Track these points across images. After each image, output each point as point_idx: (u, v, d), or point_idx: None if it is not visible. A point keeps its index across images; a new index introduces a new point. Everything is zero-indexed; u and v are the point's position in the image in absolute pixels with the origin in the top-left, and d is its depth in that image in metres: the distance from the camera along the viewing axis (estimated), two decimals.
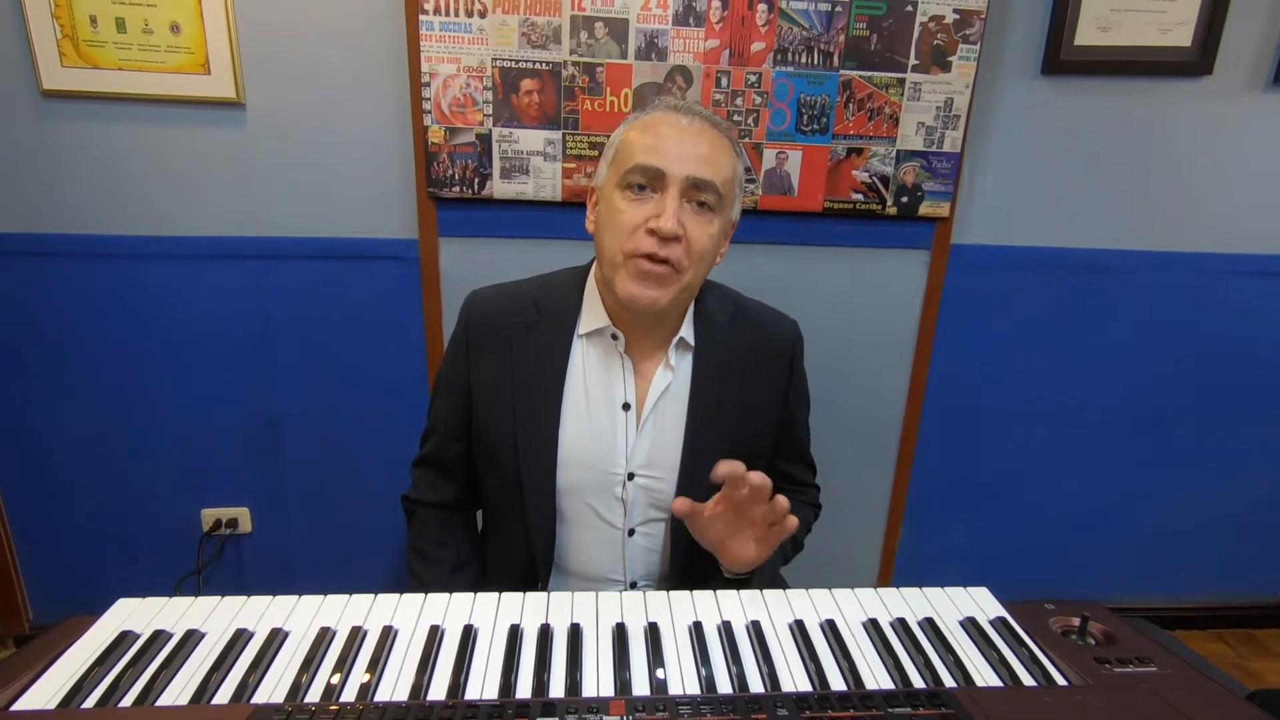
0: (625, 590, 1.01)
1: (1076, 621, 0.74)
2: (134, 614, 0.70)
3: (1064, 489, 1.89)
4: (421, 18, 1.43)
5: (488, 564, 1.11)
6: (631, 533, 1.01)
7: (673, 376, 0.98)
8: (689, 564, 1.00)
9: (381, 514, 1.77)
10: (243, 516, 1.76)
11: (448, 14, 1.43)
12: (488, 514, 1.11)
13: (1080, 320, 1.75)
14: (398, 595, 0.74)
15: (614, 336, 0.96)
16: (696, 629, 0.71)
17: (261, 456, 1.72)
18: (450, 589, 0.79)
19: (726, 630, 0.71)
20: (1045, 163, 1.63)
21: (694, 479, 0.96)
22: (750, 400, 1.01)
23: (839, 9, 1.47)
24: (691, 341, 0.98)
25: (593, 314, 0.97)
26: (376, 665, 0.65)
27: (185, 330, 1.61)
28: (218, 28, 1.44)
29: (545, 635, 0.69)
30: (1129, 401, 1.82)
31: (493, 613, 0.73)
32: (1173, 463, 1.88)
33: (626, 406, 0.97)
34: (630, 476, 0.98)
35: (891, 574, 1.92)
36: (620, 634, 0.70)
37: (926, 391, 1.77)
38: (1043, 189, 1.66)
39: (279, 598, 0.73)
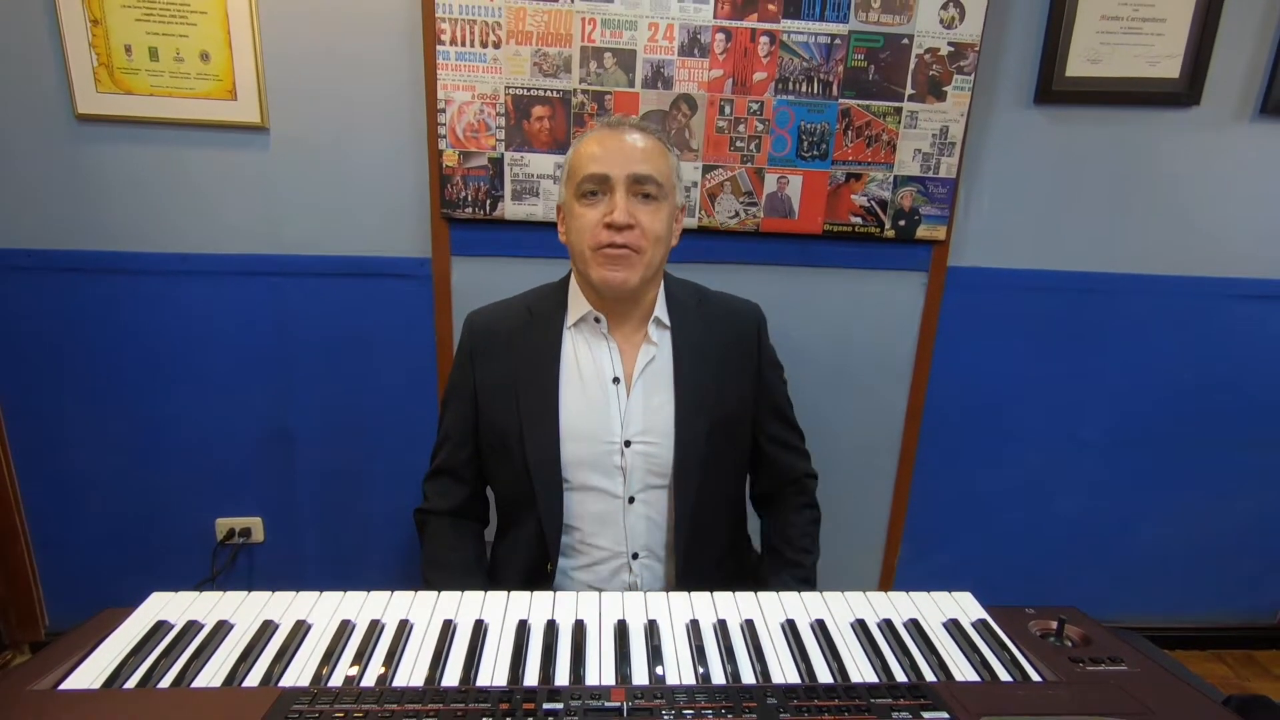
0: (629, 561, 1.09)
1: (1055, 624, 0.78)
2: (167, 606, 0.75)
3: (1061, 508, 1.92)
4: (439, 48, 1.50)
5: (500, 560, 1.17)
6: (631, 500, 1.09)
7: (655, 351, 1.10)
8: (693, 534, 1.09)
9: (391, 527, 1.82)
10: (255, 526, 1.80)
11: (464, 44, 1.50)
12: (500, 509, 1.18)
13: (1075, 341, 1.79)
14: (413, 592, 0.79)
15: (597, 320, 1.08)
16: (693, 627, 0.75)
17: (275, 468, 1.76)
18: (461, 589, 0.83)
19: (722, 628, 0.75)
20: (1039, 188, 1.69)
21: (687, 443, 1.07)
22: (727, 371, 1.12)
23: (838, 41, 1.53)
24: (666, 321, 1.10)
25: (577, 307, 1.10)
26: (393, 656, 0.70)
27: (206, 344, 1.66)
28: (245, 57, 1.52)
29: (551, 630, 0.73)
30: (1124, 422, 1.85)
31: (502, 609, 0.77)
32: (1168, 483, 1.91)
33: (616, 380, 1.08)
34: (627, 444, 1.07)
35: (890, 590, 1.94)
36: (621, 630, 0.74)
37: (924, 411, 1.81)
38: (1037, 213, 1.70)
39: (302, 593, 0.77)
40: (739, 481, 1.20)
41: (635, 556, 1.11)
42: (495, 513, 1.21)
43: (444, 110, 1.54)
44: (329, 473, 1.78)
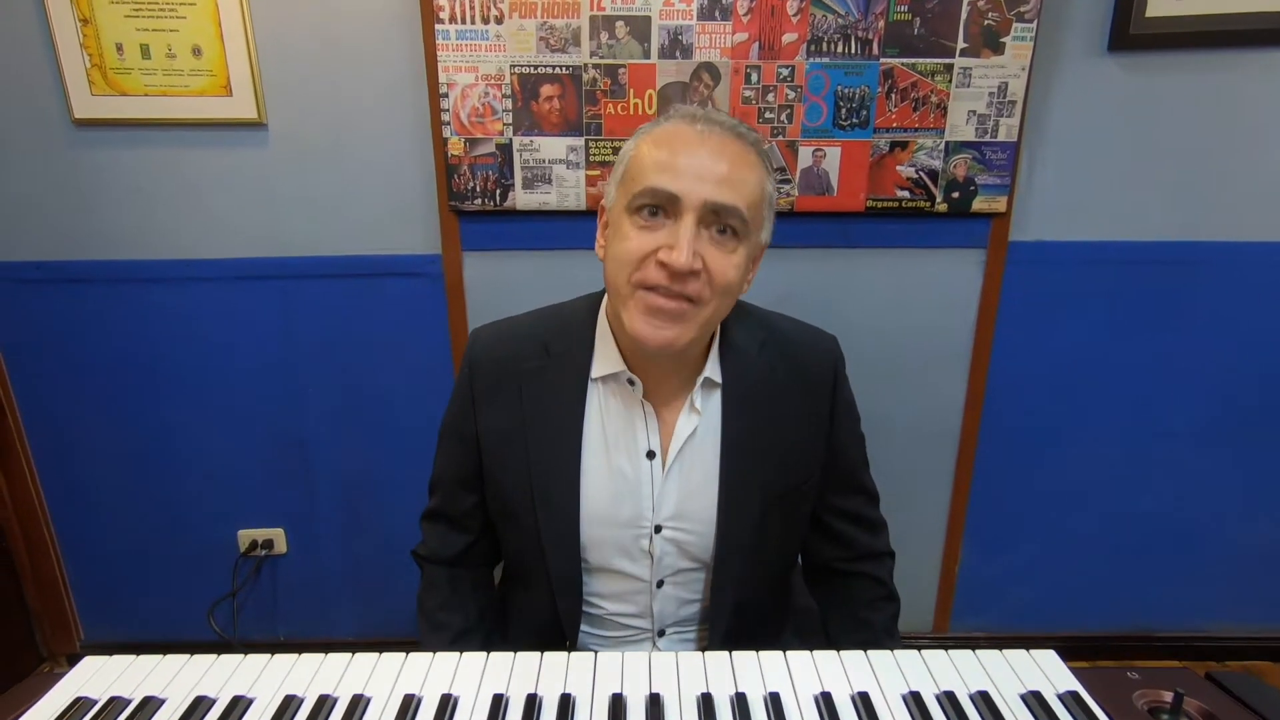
0: (654, 637, 0.95)
1: (1168, 697, 0.62)
2: (98, 675, 0.66)
3: (1145, 506, 1.72)
4: (438, 26, 1.39)
5: (510, 618, 1.03)
6: (660, 584, 0.92)
7: (699, 420, 0.87)
8: (733, 614, 0.90)
9: (413, 532, 1.74)
10: (278, 538, 1.76)
11: (464, 21, 1.39)
12: (508, 568, 1.04)
13: (1156, 320, 1.59)
14: (376, 655, 0.68)
15: (630, 382, 0.86)
16: (705, 702, 0.62)
17: (293, 477, 1.71)
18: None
19: (740, 704, 0.62)
20: (1113, 149, 1.49)
21: (732, 528, 0.87)
22: (789, 435, 0.90)
23: None
24: (718, 379, 0.88)
25: (606, 355, 0.87)
26: None
27: (215, 352, 1.62)
28: (238, 49, 1.44)
29: (532, 706, 0.62)
30: (1216, 408, 1.65)
31: (476, 679, 0.66)
32: (1267, 477, 1.69)
33: (651, 455, 0.88)
34: (658, 529, 0.89)
35: (951, 601, 1.79)
36: (616, 706, 0.61)
37: (985, 402, 1.64)
38: (1111, 178, 1.51)
39: (249, 658, 0.67)
40: (796, 548, 1.01)
41: (662, 634, 0.95)
42: (505, 559, 1.07)
43: (446, 95, 1.43)
44: (349, 481, 1.72)
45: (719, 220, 0.75)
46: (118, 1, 1.41)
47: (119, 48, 1.44)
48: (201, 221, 1.53)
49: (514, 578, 1.02)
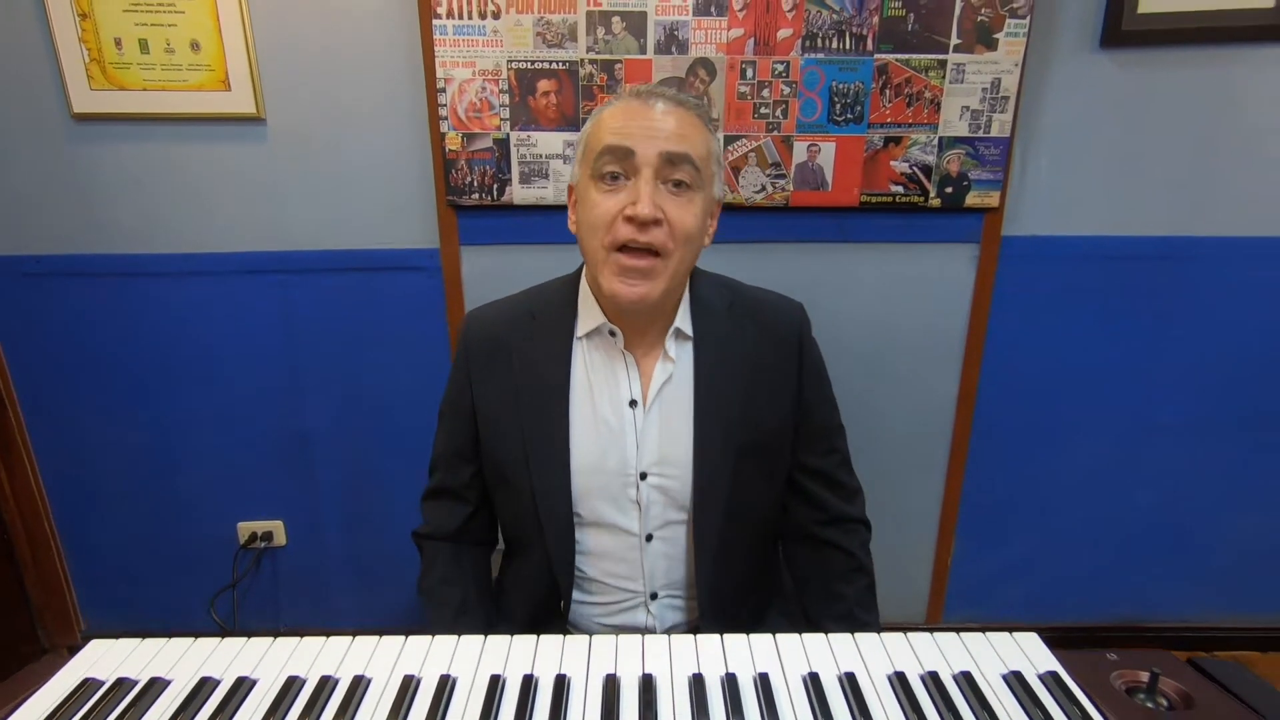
0: (646, 601, 0.98)
1: (1145, 676, 0.63)
2: (104, 658, 0.67)
3: (1137, 501, 1.74)
4: (435, 22, 1.40)
5: (507, 593, 1.07)
6: (650, 538, 0.96)
7: (673, 368, 0.93)
8: (716, 573, 0.94)
9: (412, 523, 1.76)
10: (277, 530, 1.77)
11: (461, 16, 1.40)
12: (506, 538, 1.07)
13: (1149, 315, 1.60)
14: (376, 638, 0.69)
15: (611, 334, 0.93)
16: (696, 683, 0.64)
17: (293, 469, 1.73)
18: (456, 632, 0.74)
19: (730, 685, 0.64)
20: (1106, 144, 1.50)
21: (708, 475, 0.92)
22: (759, 389, 0.95)
23: None
24: (688, 331, 0.94)
25: (588, 315, 0.94)
26: (344, 718, 0.61)
27: (216, 346, 1.63)
28: (236, 44, 1.45)
29: (528, 688, 0.63)
30: (1207, 403, 1.66)
31: (474, 662, 0.67)
32: (1256, 470, 1.71)
33: (633, 403, 0.93)
34: (643, 476, 0.93)
35: (944, 593, 1.81)
36: (610, 688, 0.63)
37: (978, 397, 1.65)
38: (1104, 173, 1.52)
39: (253, 640, 0.69)
40: (774, 510, 1.04)
41: (654, 597, 0.98)
42: (502, 538, 1.11)
43: (444, 90, 1.44)
44: (347, 473, 1.74)
45: (673, 172, 0.83)
46: None
47: (118, 42, 1.45)
48: (201, 216, 1.54)
49: (511, 549, 1.06)
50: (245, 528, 1.76)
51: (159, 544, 1.77)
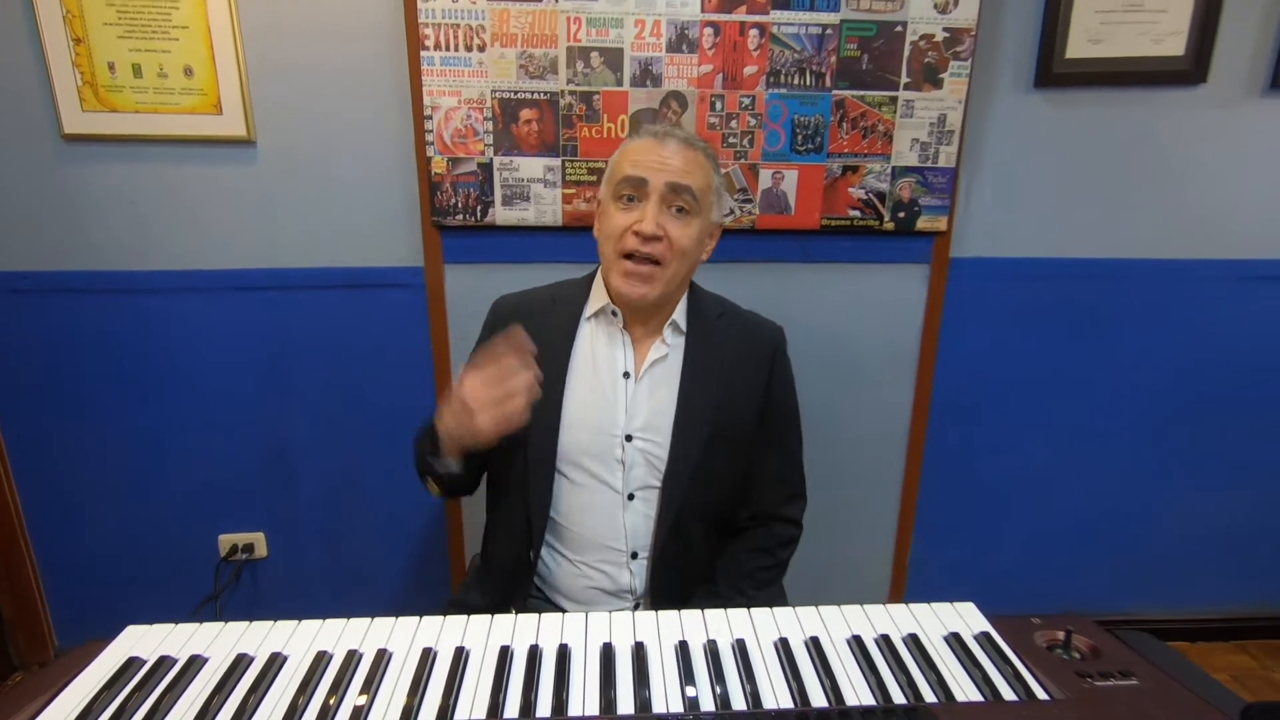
0: (629, 560, 1.09)
1: (1062, 635, 0.74)
2: (141, 640, 0.73)
3: (1074, 498, 1.87)
4: (423, 53, 1.47)
5: (488, 553, 1.21)
6: (631, 497, 1.09)
7: (667, 350, 1.10)
8: (668, 538, 1.08)
9: (392, 537, 1.80)
10: (258, 542, 1.79)
11: (448, 49, 1.48)
12: (492, 488, 1.19)
13: (1083, 330, 1.75)
14: (394, 619, 0.76)
15: (614, 313, 1.09)
16: (682, 648, 0.72)
17: (275, 482, 1.75)
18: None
19: (711, 649, 0.72)
20: (1042, 174, 1.64)
21: (683, 446, 1.07)
22: (735, 386, 1.11)
23: (829, 31, 1.49)
24: (683, 326, 1.11)
25: (598, 298, 1.11)
26: (370, 687, 0.68)
27: (202, 360, 1.66)
28: (229, 70, 1.50)
29: (534, 656, 0.71)
30: (1136, 410, 1.81)
31: (485, 634, 0.75)
32: (1184, 470, 1.86)
33: (626, 375, 1.10)
34: (629, 438, 1.07)
35: (904, 587, 1.91)
36: (607, 654, 0.71)
37: (931, 404, 1.77)
38: (1040, 200, 1.66)
39: (280, 623, 0.75)
40: (730, 498, 1.16)
41: (634, 556, 1.10)
42: (486, 502, 1.20)
43: (430, 116, 1.52)
44: (329, 486, 1.77)
45: (676, 199, 1.01)
46: (111, 23, 1.46)
47: (111, 66, 1.49)
48: (191, 234, 1.58)
49: (494, 500, 1.19)
50: (226, 540, 1.78)
51: (137, 557, 1.77)
